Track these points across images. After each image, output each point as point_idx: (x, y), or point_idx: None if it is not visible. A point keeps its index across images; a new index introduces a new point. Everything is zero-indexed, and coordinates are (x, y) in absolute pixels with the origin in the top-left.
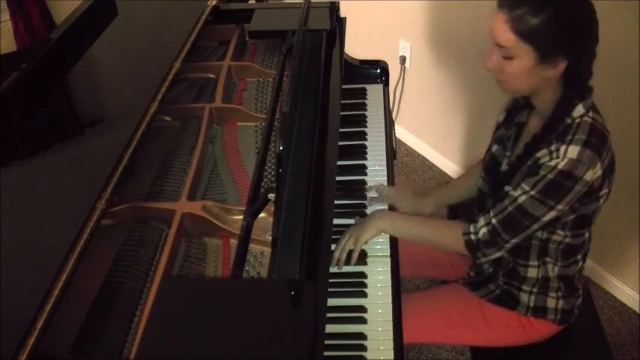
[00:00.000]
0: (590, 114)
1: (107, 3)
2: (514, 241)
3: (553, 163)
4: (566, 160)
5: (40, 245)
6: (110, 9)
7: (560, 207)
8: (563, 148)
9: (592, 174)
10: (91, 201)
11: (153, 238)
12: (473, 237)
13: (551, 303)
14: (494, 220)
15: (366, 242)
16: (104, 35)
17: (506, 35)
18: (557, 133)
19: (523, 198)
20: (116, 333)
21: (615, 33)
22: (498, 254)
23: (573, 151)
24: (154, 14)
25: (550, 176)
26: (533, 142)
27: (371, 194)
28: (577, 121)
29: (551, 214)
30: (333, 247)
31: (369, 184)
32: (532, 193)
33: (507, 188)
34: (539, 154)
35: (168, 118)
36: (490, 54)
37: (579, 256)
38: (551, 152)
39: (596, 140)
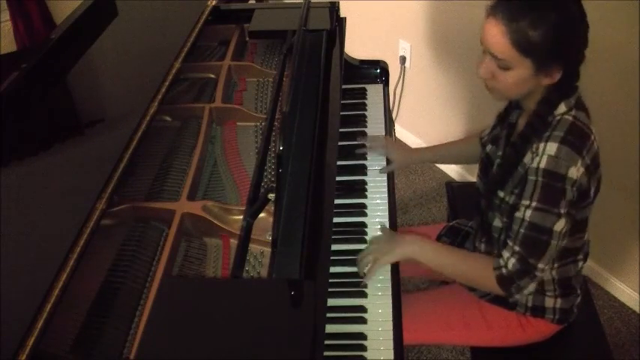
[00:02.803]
0: (573, 112)
1: (107, 3)
2: (541, 265)
3: (535, 163)
4: (545, 158)
5: (40, 245)
6: (110, 9)
7: (563, 211)
8: (541, 146)
9: (575, 171)
10: (91, 201)
11: (153, 238)
12: (504, 271)
13: (549, 302)
14: (516, 248)
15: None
16: (104, 35)
17: (504, 47)
18: (538, 132)
19: (528, 213)
20: (116, 333)
21: (615, 33)
22: (532, 284)
23: (551, 148)
24: (154, 14)
25: (539, 179)
26: (517, 140)
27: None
28: (557, 118)
29: (562, 223)
30: (333, 247)
31: (369, 184)
32: (533, 204)
33: (501, 194)
34: (525, 160)
35: (168, 118)
36: (483, 61)
37: (579, 256)
38: (532, 153)
39: (574, 138)
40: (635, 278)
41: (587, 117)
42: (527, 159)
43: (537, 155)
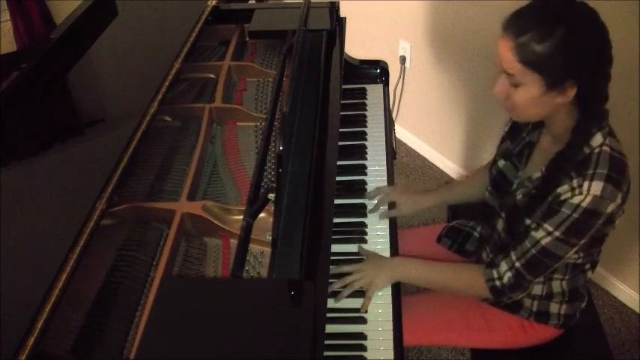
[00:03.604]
0: (608, 141)
1: (107, 3)
2: (537, 280)
3: (576, 200)
4: (590, 198)
5: (40, 245)
6: (110, 9)
7: (582, 242)
8: (586, 184)
9: (613, 206)
10: (91, 201)
11: (153, 238)
12: (498, 283)
13: (554, 308)
14: (517, 264)
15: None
16: (104, 35)
17: (511, 63)
18: (575, 163)
19: (547, 240)
20: (116, 333)
21: (615, 33)
22: (523, 294)
23: (596, 187)
24: (154, 14)
25: (575, 215)
26: (551, 173)
27: (370, 203)
28: (596, 151)
29: (574, 250)
30: (333, 247)
31: (369, 184)
32: (556, 234)
33: (528, 222)
34: (559, 190)
35: (168, 118)
36: (497, 80)
37: (588, 266)
38: (573, 189)
39: (617, 173)
40: (635, 278)
41: (616, 139)
42: (562, 190)
43: (580, 194)
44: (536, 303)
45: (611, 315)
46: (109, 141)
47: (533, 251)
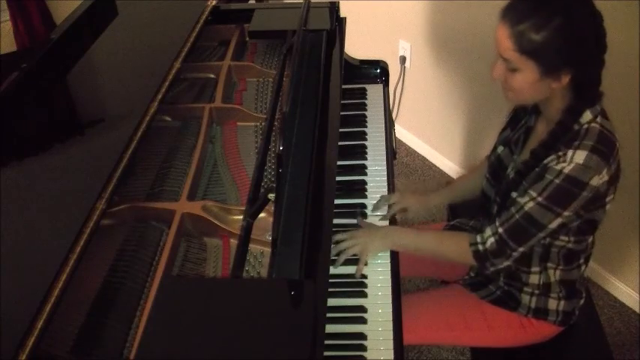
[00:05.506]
0: (599, 119)
1: (107, 3)
2: (521, 249)
3: (559, 167)
4: (572, 165)
5: (40, 245)
6: (110, 9)
7: (566, 213)
8: (570, 152)
9: (598, 179)
10: (91, 201)
11: (153, 238)
12: (480, 247)
13: (552, 304)
14: (500, 230)
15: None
16: (104, 35)
17: (508, 50)
18: (564, 140)
19: (530, 205)
20: (116, 333)
21: (615, 33)
22: (507, 263)
23: (580, 155)
24: (154, 14)
25: (557, 181)
26: (540, 149)
27: (374, 213)
28: (585, 126)
29: (558, 221)
30: (333, 247)
31: (369, 184)
32: (539, 199)
33: (514, 194)
34: (546, 160)
35: (168, 118)
36: (496, 64)
37: (582, 260)
38: (558, 157)
39: (604, 147)
40: (635, 278)
41: (609, 122)
42: (549, 159)
43: (564, 162)
44: (534, 299)
45: (611, 315)
46: (109, 141)
47: (517, 216)
